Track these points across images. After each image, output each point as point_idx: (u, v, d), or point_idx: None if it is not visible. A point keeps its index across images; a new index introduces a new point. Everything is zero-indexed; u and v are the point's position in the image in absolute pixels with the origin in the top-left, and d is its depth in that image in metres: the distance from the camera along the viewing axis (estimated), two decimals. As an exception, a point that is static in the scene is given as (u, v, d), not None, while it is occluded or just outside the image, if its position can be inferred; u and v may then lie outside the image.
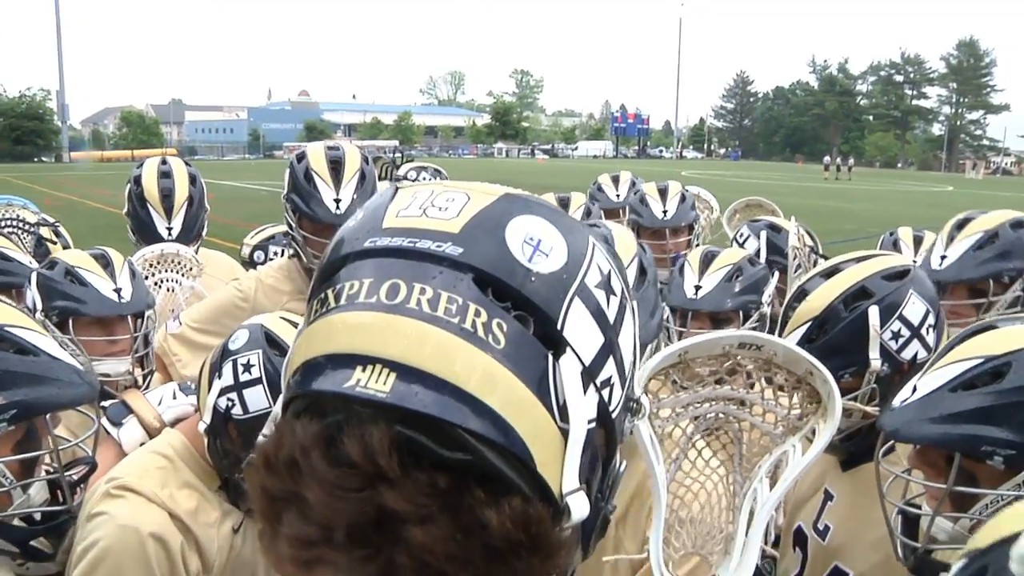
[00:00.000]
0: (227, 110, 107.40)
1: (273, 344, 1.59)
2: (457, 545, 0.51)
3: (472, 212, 0.59)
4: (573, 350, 0.57)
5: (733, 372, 1.03)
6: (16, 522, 1.39)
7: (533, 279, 0.56)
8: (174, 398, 2.03)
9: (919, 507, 1.34)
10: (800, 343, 1.67)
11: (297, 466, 0.53)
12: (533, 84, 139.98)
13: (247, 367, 1.56)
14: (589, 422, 0.57)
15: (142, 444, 1.82)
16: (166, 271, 2.95)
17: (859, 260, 1.78)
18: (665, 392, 1.07)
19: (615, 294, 0.62)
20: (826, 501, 1.79)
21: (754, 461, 1.09)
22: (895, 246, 3.04)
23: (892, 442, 1.40)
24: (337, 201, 2.56)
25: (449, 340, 0.53)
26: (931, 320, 1.69)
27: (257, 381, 1.55)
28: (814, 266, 2.41)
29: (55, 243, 3.10)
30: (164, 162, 3.21)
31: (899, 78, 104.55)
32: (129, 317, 2.13)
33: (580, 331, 0.57)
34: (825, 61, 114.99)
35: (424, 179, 4.50)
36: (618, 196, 4.08)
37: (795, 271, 2.69)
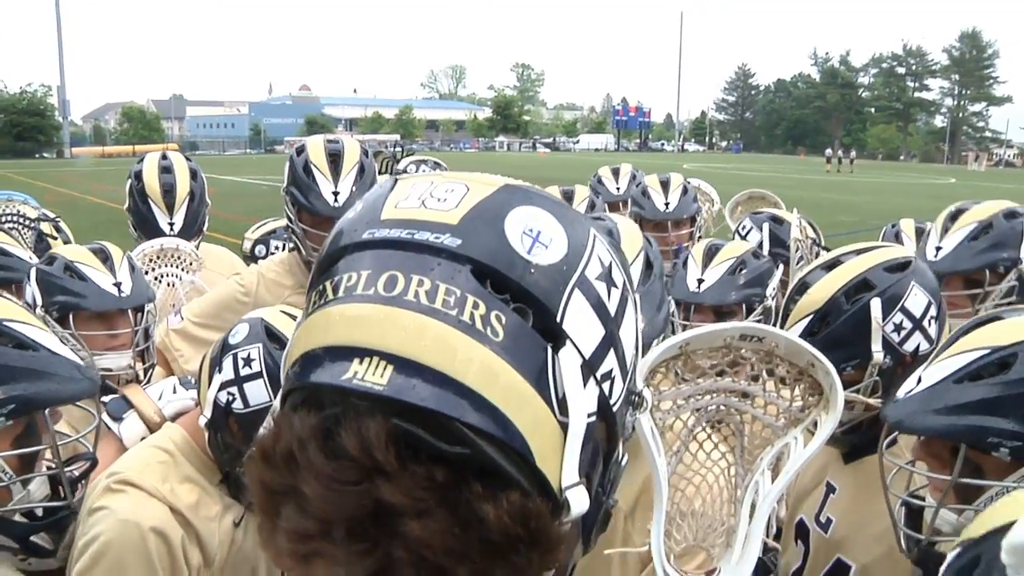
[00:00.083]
0: (228, 105, 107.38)
1: (273, 338, 1.59)
2: (455, 539, 0.51)
3: (471, 203, 0.58)
4: (573, 343, 0.56)
5: (735, 364, 1.03)
6: (17, 518, 1.39)
7: (532, 271, 0.56)
8: (174, 393, 2.04)
9: (923, 499, 1.34)
10: (802, 336, 1.66)
11: (294, 459, 0.53)
12: (534, 77, 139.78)
13: (247, 361, 1.57)
14: (589, 416, 0.57)
15: (143, 439, 1.82)
16: (166, 266, 2.95)
17: (860, 252, 1.77)
18: (666, 384, 1.06)
19: (616, 286, 0.61)
20: (828, 494, 1.79)
21: (756, 453, 1.08)
22: (897, 238, 3.03)
23: (895, 434, 1.39)
24: (335, 194, 2.56)
25: (447, 332, 0.53)
26: (933, 312, 1.69)
27: (257, 375, 1.56)
28: (816, 258, 2.41)
29: (56, 238, 3.10)
30: (164, 157, 3.21)
31: (901, 70, 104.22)
32: (129, 311, 2.13)
33: (580, 324, 0.57)
34: (827, 53, 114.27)
35: (424, 172, 4.48)
36: (618, 189, 4.07)
37: (797, 263, 2.69)
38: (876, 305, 1.64)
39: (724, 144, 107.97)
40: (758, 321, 2.34)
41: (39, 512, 1.42)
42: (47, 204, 4.19)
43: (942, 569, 0.70)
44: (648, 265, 1.49)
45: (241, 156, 62.41)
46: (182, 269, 2.97)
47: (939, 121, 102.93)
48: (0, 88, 62.64)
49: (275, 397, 0.62)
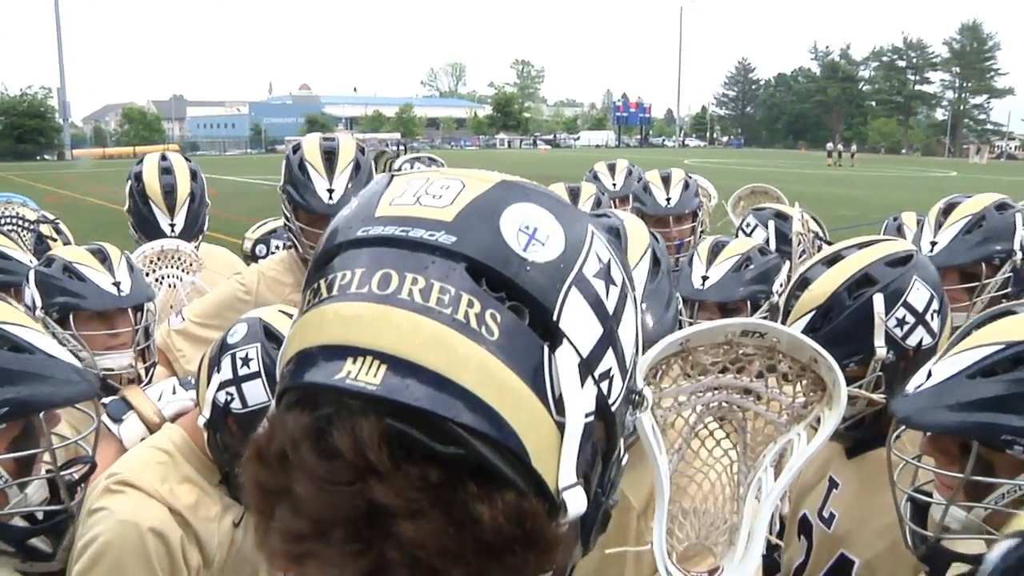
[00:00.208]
0: (228, 105, 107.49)
1: (271, 337, 1.59)
2: (449, 540, 0.50)
3: (466, 200, 0.58)
4: (570, 341, 0.55)
5: (737, 361, 1.02)
6: (15, 521, 1.39)
7: (528, 268, 0.55)
8: (174, 393, 2.04)
9: (929, 494, 1.32)
10: (804, 332, 1.64)
11: (288, 459, 0.52)
12: (534, 74, 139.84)
13: (246, 361, 1.56)
14: (587, 415, 0.56)
15: (142, 440, 1.82)
16: (166, 267, 2.95)
17: (861, 246, 1.76)
18: (668, 381, 1.06)
19: (615, 284, 0.60)
20: (831, 489, 1.78)
21: (758, 450, 1.07)
22: (899, 231, 3.02)
23: (902, 428, 1.38)
24: (330, 191, 2.56)
25: (441, 331, 0.52)
26: (935, 306, 1.68)
27: (256, 375, 1.55)
28: (818, 252, 2.40)
29: (55, 240, 3.09)
30: (164, 158, 3.21)
31: (902, 63, 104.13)
32: (129, 310, 2.13)
33: (577, 322, 0.56)
34: (827, 47, 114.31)
35: (419, 169, 4.47)
36: (615, 185, 4.07)
37: (799, 257, 2.68)
38: (879, 300, 1.63)
39: (725, 139, 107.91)
40: (764, 318, 2.33)
41: (39, 516, 1.42)
42: (48, 206, 4.19)
43: (995, 557, 0.68)
44: (655, 261, 1.47)
45: (242, 156, 62.53)
46: (182, 270, 2.97)
47: (940, 114, 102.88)
48: (0, 90, 62.77)
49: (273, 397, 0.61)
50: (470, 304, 0.53)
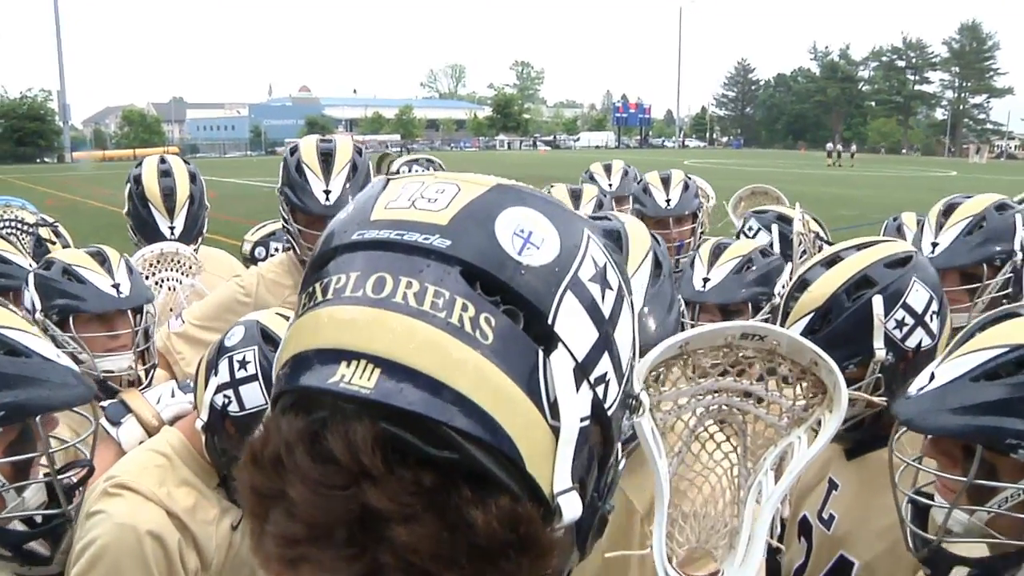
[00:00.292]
0: (228, 107, 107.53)
1: (269, 340, 1.59)
2: (442, 544, 0.50)
3: (461, 203, 0.57)
4: (565, 345, 0.55)
5: (737, 364, 1.01)
6: (13, 525, 1.38)
7: (523, 272, 0.55)
8: (172, 396, 2.03)
9: (930, 496, 1.31)
10: (803, 334, 1.65)
11: (282, 463, 0.52)
12: (534, 76, 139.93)
13: (243, 364, 1.56)
14: (582, 420, 0.56)
15: (141, 443, 1.82)
16: (166, 270, 2.95)
17: (860, 248, 1.75)
18: (667, 385, 1.05)
19: (611, 288, 0.60)
20: (831, 490, 1.78)
21: (759, 453, 1.07)
22: (899, 232, 3.01)
23: (903, 430, 1.37)
24: (327, 192, 2.56)
25: (435, 335, 0.52)
26: (935, 307, 1.68)
27: (253, 378, 1.55)
28: (819, 252, 2.40)
29: (55, 243, 3.09)
30: (163, 161, 3.21)
31: (901, 63, 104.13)
32: (129, 312, 2.13)
33: (572, 326, 0.56)
34: (826, 47, 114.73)
35: (416, 172, 4.48)
36: (611, 185, 4.06)
37: (800, 258, 2.67)
38: (878, 302, 1.63)
39: (725, 140, 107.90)
40: (766, 320, 2.32)
41: (37, 519, 1.42)
42: (49, 209, 4.19)
43: None
44: (657, 265, 1.46)
45: (242, 158, 62.56)
46: (182, 273, 2.97)
47: (940, 114, 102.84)
48: (0, 93, 62.81)
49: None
50: (464, 308, 0.53)
